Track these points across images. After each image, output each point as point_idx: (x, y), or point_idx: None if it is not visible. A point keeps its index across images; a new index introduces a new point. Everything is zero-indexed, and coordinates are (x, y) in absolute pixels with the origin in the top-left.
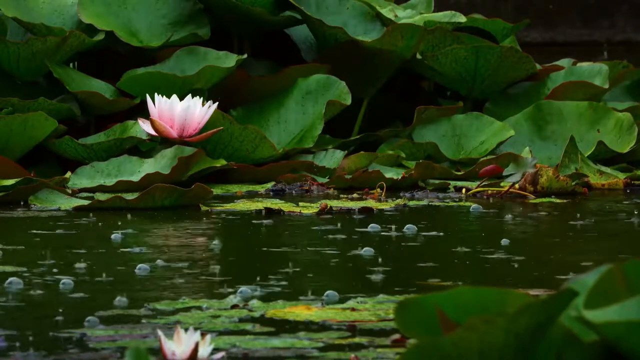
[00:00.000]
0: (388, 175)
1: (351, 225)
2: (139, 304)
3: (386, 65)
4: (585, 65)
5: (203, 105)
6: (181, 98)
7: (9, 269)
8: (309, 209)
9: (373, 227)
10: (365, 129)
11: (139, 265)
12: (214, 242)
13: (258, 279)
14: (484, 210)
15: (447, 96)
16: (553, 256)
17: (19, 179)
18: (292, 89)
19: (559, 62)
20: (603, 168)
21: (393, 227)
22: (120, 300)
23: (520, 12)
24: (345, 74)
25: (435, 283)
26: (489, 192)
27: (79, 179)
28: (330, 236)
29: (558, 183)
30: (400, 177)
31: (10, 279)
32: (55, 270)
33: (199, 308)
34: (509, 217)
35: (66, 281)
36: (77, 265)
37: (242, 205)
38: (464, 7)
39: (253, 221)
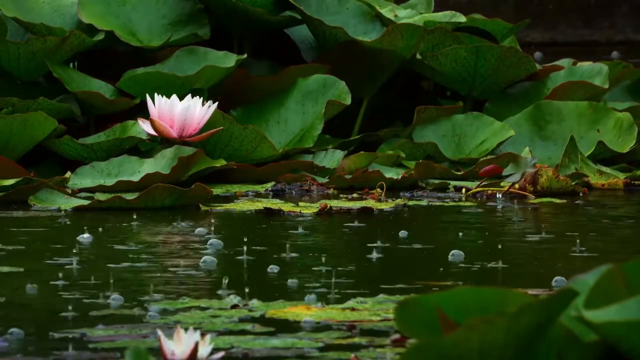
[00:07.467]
0: (388, 175)
1: (351, 225)
2: (139, 303)
3: (386, 65)
4: (585, 65)
5: (203, 105)
6: (181, 98)
7: (8, 269)
8: (309, 209)
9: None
10: (365, 129)
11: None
12: (212, 242)
13: (258, 278)
14: (484, 210)
15: (447, 96)
16: (553, 256)
17: (19, 179)
18: (292, 89)
19: (559, 62)
20: (603, 168)
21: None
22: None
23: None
24: (345, 73)
25: (435, 283)
26: (489, 192)
27: (79, 179)
28: (330, 236)
29: (558, 183)
30: (400, 177)
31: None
32: (54, 269)
33: (199, 308)
34: (508, 217)
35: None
36: (76, 264)
37: (241, 205)
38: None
39: (253, 221)
